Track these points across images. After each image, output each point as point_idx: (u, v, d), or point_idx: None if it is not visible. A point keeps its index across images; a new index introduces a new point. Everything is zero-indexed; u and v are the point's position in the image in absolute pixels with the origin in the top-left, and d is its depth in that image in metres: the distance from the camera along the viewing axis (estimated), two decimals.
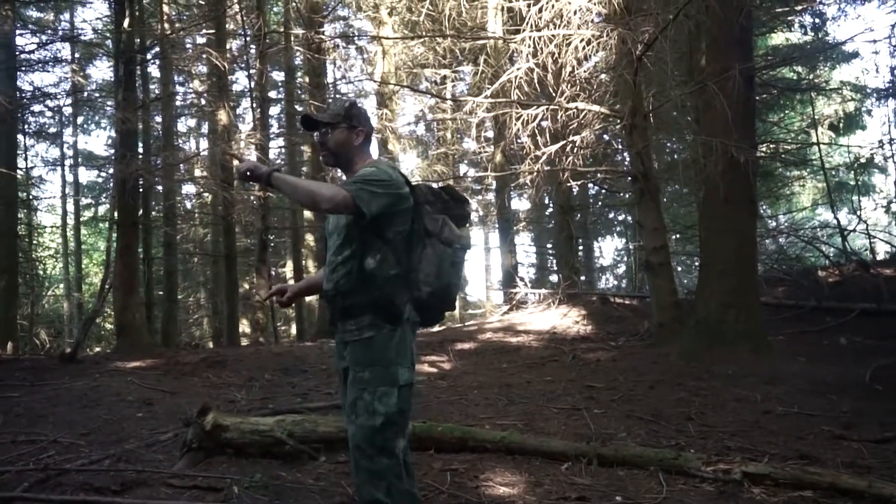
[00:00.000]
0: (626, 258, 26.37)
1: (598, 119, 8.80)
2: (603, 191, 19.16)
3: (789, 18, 12.86)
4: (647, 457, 4.54)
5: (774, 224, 19.38)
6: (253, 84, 13.88)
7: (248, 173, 2.68)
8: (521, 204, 24.16)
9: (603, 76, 8.87)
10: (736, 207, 7.99)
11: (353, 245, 2.81)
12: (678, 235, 19.53)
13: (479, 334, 10.59)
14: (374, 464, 2.78)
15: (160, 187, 17.09)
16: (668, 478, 4.27)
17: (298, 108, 18.40)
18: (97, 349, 18.67)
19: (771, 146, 14.88)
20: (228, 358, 9.49)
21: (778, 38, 18.32)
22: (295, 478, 4.26)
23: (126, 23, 10.13)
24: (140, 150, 19.58)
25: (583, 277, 21.40)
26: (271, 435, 4.59)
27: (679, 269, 23.78)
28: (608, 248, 33.62)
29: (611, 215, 24.62)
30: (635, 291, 14.08)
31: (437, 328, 13.06)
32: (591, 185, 18.31)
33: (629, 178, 9.07)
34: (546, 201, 21.26)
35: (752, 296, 8.15)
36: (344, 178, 3.02)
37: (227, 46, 18.40)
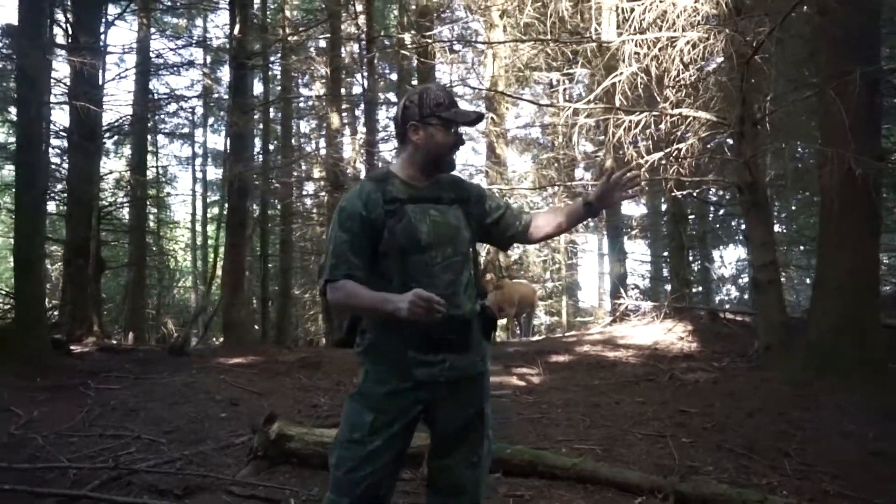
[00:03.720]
0: (749, 269, 25.05)
1: (705, 126, 8.31)
2: (726, 197, 18.23)
3: None
4: (728, 496, 4.18)
5: None
6: (362, 88, 14.09)
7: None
8: (637, 209, 23.46)
9: (710, 80, 8.35)
10: (854, 222, 7.31)
11: (471, 266, 2.55)
12: (804, 247, 18.32)
13: (577, 346, 10.27)
14: None
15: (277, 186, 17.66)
16: None
17: None
18: (221, 340, 19.55)
19: None
20: (324, 359, 9.66)
21: None
22: None
23: (237, 30, 10.50)
24: (259, 150, 20.53)
25: (698, 289, 20.50)
26: None
27: (808, 281, 22.34)
28: (731, 257, 32.10)
29: (733, 223, 23.46)
30: (753, 307, 13.27)
31: (535, 338, 12.82)
32: (712, 190, 17.47)
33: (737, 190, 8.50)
34: (663, 208, 20.51)
35: (871, 319, 7.44)
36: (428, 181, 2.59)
37: (348, 49, 18.92)
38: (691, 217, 19.31)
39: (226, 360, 9.58)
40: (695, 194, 10.95)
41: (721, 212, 21.45)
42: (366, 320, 2.53)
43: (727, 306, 20.84)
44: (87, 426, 5.64)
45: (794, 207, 20.58)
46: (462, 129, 2.59)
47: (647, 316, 12.08)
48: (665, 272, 22.58)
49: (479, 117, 2.61)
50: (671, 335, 10.46)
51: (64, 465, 4.42)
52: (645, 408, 6.86)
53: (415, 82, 18.13)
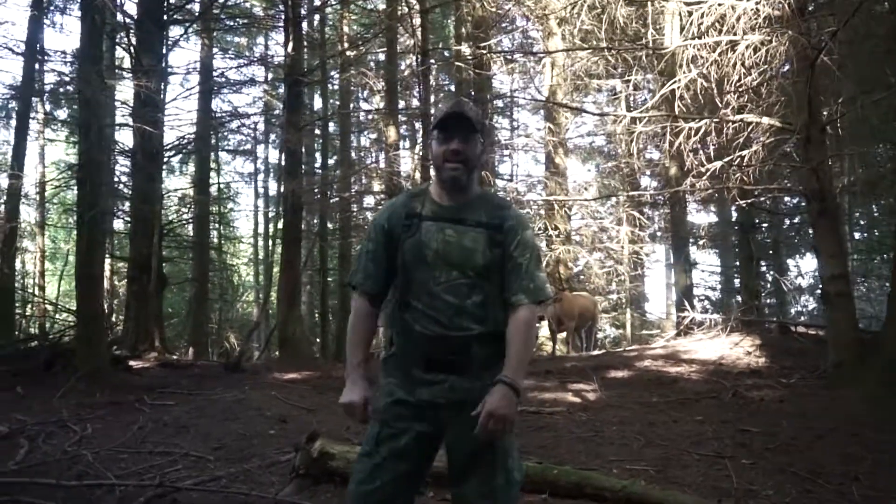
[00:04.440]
0: None
1: (769, 132, 8.06)
2: (802, 204, 17.64)
3: None
4: None
5: None
6: (417, 101, 14.21)
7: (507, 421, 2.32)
8: (705, 218, 22.87)
9: (774, 84, 8.10)
10: None
11: (486, 289, 2.47)
12: (885, 256, 17.57)
13: (637, 361, 10.06)
14: None
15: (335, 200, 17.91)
16: None
17: None
18: (277, 355, 19.89)
19: None
20: (380, 373, 9.69)
21: None
22: None
23: (290, 47, 10.71)
24: (319, 165, 20.88)
25: (771, 300, 19.82)
26: None
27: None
28: (808, 266, 30.82)
29: (810, 230, 22.59)
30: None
31: (594, 353, 12.62)
32: (786, 198, 16.97)
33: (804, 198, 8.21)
34: (733, 217, 19.97)
35: None
36: (446, 201, 2.53)
37: (407, 62, 19.10)
38: (763, 225, 18.75)
39: (280, 376, 9.73)
40: (764, 202, 10.65)
41: (797, 219, 20.76)
42: (391, 333, 2.58)
43: (803, 319, 20.13)
44: (139, 443, 5.79)
45: (876, 214, 19.80)
46: (454, 138, 2.46)
47: (714, 329, 11.74)
48: (738, 283, 21.94)
49: (449, 115, 2.47)
50: (738, 350, 10.15)
51: (111, 482, 4.54)
52: (704, 427, 6.67)
53: (472, 93, 18.20)
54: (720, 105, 8.25)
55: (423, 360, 2.46)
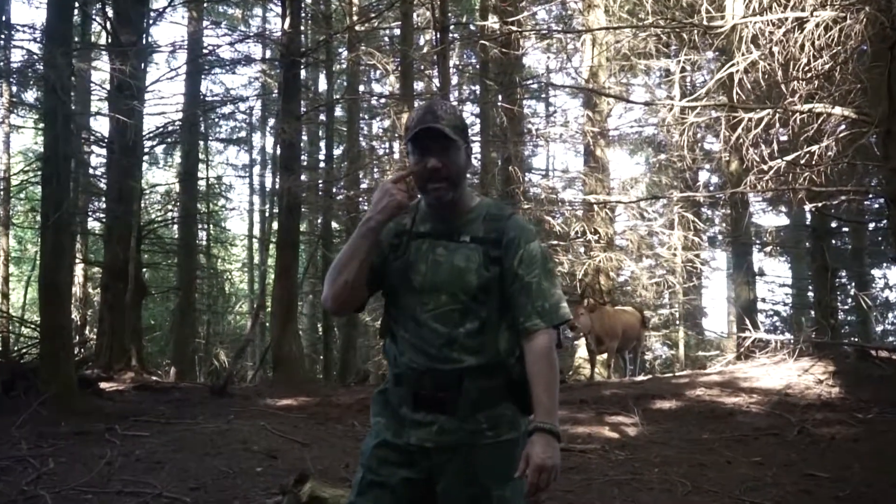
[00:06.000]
0: None
1: (842, 125, 8.01)
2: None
3: None
4: None
5: None
6: (436, 83, 14.23)
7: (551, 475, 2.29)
8: (773, 220, 22.63)
9: (848, 69, 8.03)
10: None
11: (483, 315, 2.46)
12: None
13: (688, 389, 10.00)
14: None
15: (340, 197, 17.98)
16: None
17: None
18: (271, 377, 20.01)
19: None
20: None
21: None
22: None
23: (287, 23, 10.74)
24: (324, 156, 21.00)
25: (851, 317, 19.59)
26: None
27: None
28: None
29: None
30: None
31: (640, 378, 12.56)
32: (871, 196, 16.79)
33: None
34: (807, 220, 19.76)
35: None
36: (434, 218, 2.55)
37: (426, 38, 19.18)
38: (843, 229, 18.51)
39: (274, 402, 9.81)
40: (842, 203, 10.53)
41: (884, 222, 20.47)
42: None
43: (892, 340, 19.83)
44: (105, 481, 5.85)
45: None
46: (430, 154, 2.42)
47: (780, 353, 11.61)
48: (811, 297, 21.70)
49: (420, 131, 2.40)
50: (807, 377, 10.05)
51: None
52: (763, 470, 6.64)
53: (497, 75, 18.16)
54: (785, 93, 8.21)
55: (411, 398, 2.47)
